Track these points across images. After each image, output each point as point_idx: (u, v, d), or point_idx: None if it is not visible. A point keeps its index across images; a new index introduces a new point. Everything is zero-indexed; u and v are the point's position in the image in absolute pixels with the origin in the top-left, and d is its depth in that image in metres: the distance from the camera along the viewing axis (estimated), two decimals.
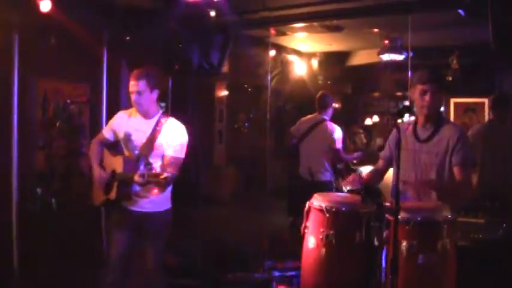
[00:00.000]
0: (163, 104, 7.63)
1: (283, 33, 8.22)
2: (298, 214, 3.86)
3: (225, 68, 8.84)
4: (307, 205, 3.70)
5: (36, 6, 5.14)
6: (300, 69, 10.07)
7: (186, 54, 7.64)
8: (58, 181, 5.97)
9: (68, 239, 5.43)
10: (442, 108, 9.29)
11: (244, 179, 10.93)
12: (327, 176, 6.37)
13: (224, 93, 10.93)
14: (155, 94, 4.00)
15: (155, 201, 3.99)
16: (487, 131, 5.72)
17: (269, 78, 8.87)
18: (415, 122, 3.85)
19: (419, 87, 3.70)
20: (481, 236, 4.41)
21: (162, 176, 3.57)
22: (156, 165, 3.92)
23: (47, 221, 5.14)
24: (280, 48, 9.45)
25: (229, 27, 7.32)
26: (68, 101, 5.91)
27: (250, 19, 7.16)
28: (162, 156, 3.95)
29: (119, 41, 6.55)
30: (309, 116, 6.63)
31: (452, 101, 9.39)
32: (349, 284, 3.49)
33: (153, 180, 3.64)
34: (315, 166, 6.33)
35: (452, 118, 9.23)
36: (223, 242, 6.39)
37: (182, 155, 4.00)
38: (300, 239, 3.76)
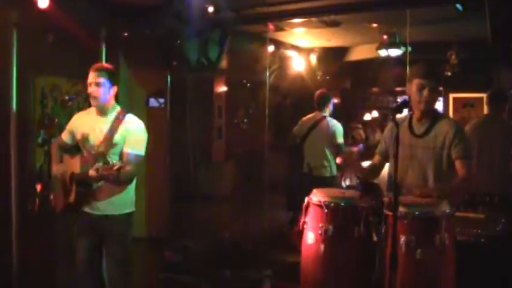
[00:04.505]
0: (162, 100, 7.63)
1: (282, 29, 8.20)
2: (297, 209, 3.86)
3: (224, 64, 8.83)
4: (306, 200, 3.71)
5: (34, 3, 5.13)
6: (298, 64, 10.05)
7: (184, 50, 7.63)
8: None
9: (68, 237, 5.42)
10: (440, 103, 9.39)
11: (243, 174, 10.92)
12: (326, 171, 6.44)
13: (223, 89, 10.92)
14: (113, 90, 3.93)
15: (115, 203, 3.90)
16: (483, 126, 5.74)
17: (267, 73, 8.86)
18: (410, 117, 3.85)
19: (416, 81, 3.68)
20: (480, 231, 4.42)
21: (115, 167, 3.47)
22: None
23: (47, 219, 5.13)
24: (279, 44, 9.43)
25: (227, 23, 7.31)
26: (67, 97, 5.91)
27: (248, 14, 7.14)
28: (121, 154, 3.85)
29: (117, 37, 6.54)
30: (309, 116, 6.74)
31: (451, 96, 9.38)
32: (348, 279, 3.51)
33: (107, 173, 3.53)
34: (315, 162, 6.43)
35: (451, 113, 9.23)
36: (223, 238, 6.41)
37: (141, 152, 3.90)
38: (299, 234, 3.77)
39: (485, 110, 5.98)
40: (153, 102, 7.58)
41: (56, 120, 5.67)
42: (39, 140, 5.69)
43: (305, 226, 3.68)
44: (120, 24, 6.53)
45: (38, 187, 5.01)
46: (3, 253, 5.29)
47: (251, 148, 10.62)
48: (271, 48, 8.93)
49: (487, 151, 5.56)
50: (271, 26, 8.03)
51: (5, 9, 5.22)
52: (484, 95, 6.14)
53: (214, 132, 10.80)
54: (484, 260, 4.18)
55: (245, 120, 12.07)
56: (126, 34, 6.63)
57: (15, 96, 5.41)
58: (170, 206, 7.54)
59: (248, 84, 11.59)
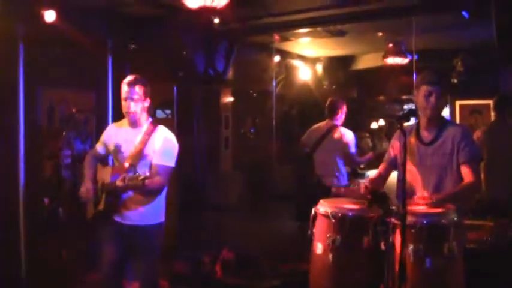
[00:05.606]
0: (169, 111, 7.65)
1: (287, 39, 8.23)
2: (306, 219, 3.85)
3: (230, 75, 8.86)
4: (313, 211, 3.69)
5: (41, 17, 5.17)
6: (304, 74, 10.06)
7: (191, 61, 7.66)
8: (65, 190, 5.98)
9: (75, 249, 5.43)
10: (447, 111, 9.36)
11: (251, 184, 10.89)
12: (336, 181, 6.35)
13: (229, 99, 10.90)
14: (147, 103, 3.96)
15: (144, 213, 3.91)
16: (491, 133, 5.73)
17: (274, 83, 8.89)
18: (418, 125, 3.85)
19: (424, 88, 3.69)
20: (489, 238, 4.39)
21: (141, 178, 3.52)
22: None
23: (54, 231, 5.14)
24: (285, 54, 9.46)
25: (233, 34, 7.34)
26: (74, 110, 5.93)
27: (254, 25, 7.18)
28: (151, 165, 3.88)
29: (123, 49, 6.57)
30: (319, 124, 6.60)
31: (458, 103, 9.32)
32: None
33: (132, 183, 3.59)
34: (326, 171, 6.34)
35: (458, 120, 9.17)
36: (231, 248, 6.39)
37: (171, 163, 3.94)
38: (307, 244, 3.75)
39: (492, 117, 5.97)
40: (160, 113, 7.60)
41: (64, 132, 5.69)
42: (47, 152, 5.71)
43: (313, 237, 3.66)
44: (127, 36, 6.57)
45: (46, 200, 5.04)
46: (12, 263, 5.30)
47: (258, 158, 10.61)
48: (277, 58, 8.97)
49: (496, 158, 5.55)
50: (277, 37, 8.06)
51: (11, 23, 5.26)
52: (491, 102, 6.12)
53: (222, 142, 10.80)
54: (493, 268, 4.15)
55: (252, 130, 12.07)
56: (132, 46, 6.65)
57: (23, 109, 5.44)
58: (178, 216, 7.54)
59: (255, 95, 11.60)
